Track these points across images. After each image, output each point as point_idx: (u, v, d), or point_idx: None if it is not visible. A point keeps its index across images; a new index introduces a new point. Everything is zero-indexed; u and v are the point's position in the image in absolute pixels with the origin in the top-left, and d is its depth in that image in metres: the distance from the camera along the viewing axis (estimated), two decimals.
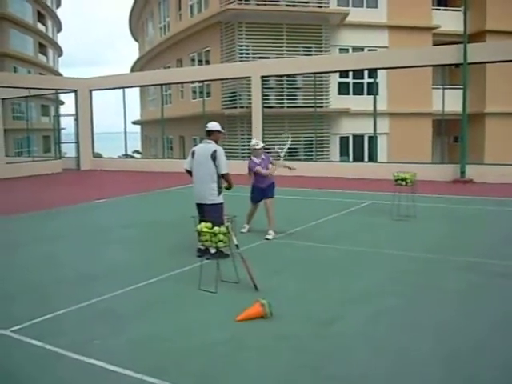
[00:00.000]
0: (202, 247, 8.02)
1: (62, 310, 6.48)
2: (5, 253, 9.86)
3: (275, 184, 10.80)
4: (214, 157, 8.56)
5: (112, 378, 4.77)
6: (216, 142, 8.84)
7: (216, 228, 7.27)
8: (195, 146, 9.30)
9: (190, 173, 8.97)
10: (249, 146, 10.93)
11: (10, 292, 7.40)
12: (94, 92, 29.50)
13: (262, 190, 10.64)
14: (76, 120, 29.09)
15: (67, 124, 34.73)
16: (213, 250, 7.99)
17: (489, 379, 4.67)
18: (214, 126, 8.94)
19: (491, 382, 4.64)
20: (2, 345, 5.57)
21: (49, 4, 65.45)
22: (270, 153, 11.51)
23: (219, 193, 8.71)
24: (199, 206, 8.79)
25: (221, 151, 8.68)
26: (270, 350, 5.31)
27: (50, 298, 7.06)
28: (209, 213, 8.42)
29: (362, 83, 29.31)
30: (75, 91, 28.81)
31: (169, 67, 36.74)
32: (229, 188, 9.03)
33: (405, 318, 6.17)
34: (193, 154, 8.87)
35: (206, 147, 8.72)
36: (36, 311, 6.41)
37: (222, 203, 8.74)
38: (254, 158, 10.56)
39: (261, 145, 10.60)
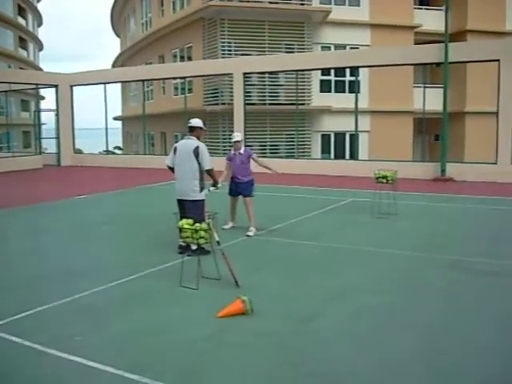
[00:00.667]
0: (184, 244, 8.03)
1: (42, 306, 6.43)
2: None
3: (254, 182, 10.78)
4: (196, 153, 8.57)
5: (92, 374, 4.75)
6: (198, 139, 8.86)
7: (197, 224, 7.28)
8: (177, 142, 9.29)
9: (171, 169, 8.96)
10: (230, 142, 10.99)
11: None
12: (74, 87, 29.29)
13: (236, 183, 10.65)
14: (57, 115, 28.86)
15: (48, 119, 34.55)
16: (194, 247, 8.02)
17: (475, 377, 4.71)
18: (196, 122, 8.97)
19: (477, 379, 4.68)
20: None
21: None
22: (253, 149, 11.51)
23: (201, 189, 8.71)
24: (180, 202, 8.77)
25: (203, 147, 8.70)
26: (250, 346, 5.33)
27: (30, 294, 7.02)
28: (190, 209, 8.43)
29: (344, 81, 29.43)
30: (56, 86, 28.57)
31: (151, 63, 36.56)
32: (215, 185, 9.17)
33: (385, 315, 6.21)
34: (175, 150, 8.86)
35: (188, 143, 8.73)
36: (16, 307, 6.35)
37: (203, 200, 8.74)
38: (231, 150, 10.76)
39: (237, 138, 10.64)
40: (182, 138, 9.47)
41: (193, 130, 8.91)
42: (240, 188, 10.63)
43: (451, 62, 19.63)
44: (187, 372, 4.79)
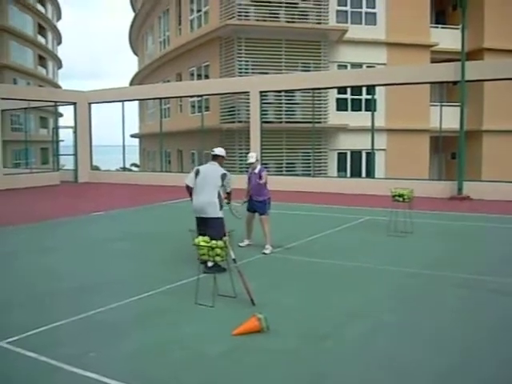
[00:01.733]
0: (211, 264, 8.10)
1: (58, 321, 6.46)
2: (1, 264, 9.84)
3: (269, 200, 10.77)
4: (223, 178, 9.04)
5: None
6: (220, 165, 9.35)
7: (213, 242, 7.29)
8: (200, 165, 9.95)
9: (189, 189, 9.20)
10: (246, 160, 11.02)
11: (5, 303, 7.38)
12: (92, 105, 29.59)
13: (253, 202, 10.69)
14: (75, 132, 29.16)
15: (66, 136, 34.83)
16: (210, 264, 8.03)
17: None
18: (220, 151, 9.51)
19: None
20: None
21: (49, 16, 65.82)
22: (267, 167, 11.53)
23: (221, 207, 8.94)
24: (200, 220, 8.94)
25: (229, 175, 9.25)
26: (266, 364, 5.30)
27: (46, 310, 7.05)
28: (212, 226, 8.65)
29: (360, 99, 29.47)
30: (74, 104, 28.90)
31: (168, 81, 36.88)
32: (228, 203, 9.62)
33: (402, 333, 6.17)
34: (197, 172, 9.18)
35: (215, 168, 9.25)
36: (32, 323, 6.39)
37: (223, 218, 8.94)
38: (250, 169, 10.85)
39: (250, 160, 10.65)
40: (203, 163, 10.21)
41: (216, 157, 9.42)
42: (255, 206, 10.67)
43: (468, 81, 19.60)
44: None
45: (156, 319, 6.68)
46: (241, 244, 10.76)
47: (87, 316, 6.72)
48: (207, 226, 8.72)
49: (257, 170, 10.64)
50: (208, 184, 8.95)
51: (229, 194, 9.35)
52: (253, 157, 10.70)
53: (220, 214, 8.89)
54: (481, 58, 29.43)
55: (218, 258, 7.33)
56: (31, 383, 4.95)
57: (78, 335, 6.12)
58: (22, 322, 6.52)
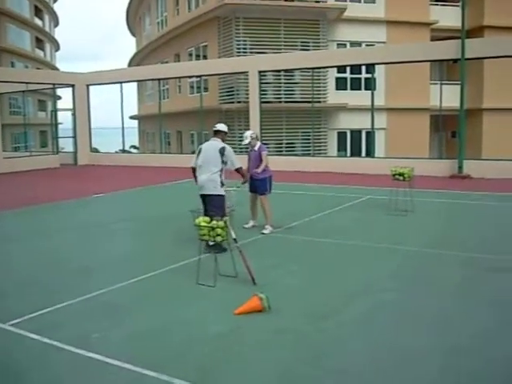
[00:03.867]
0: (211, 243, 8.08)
1: (61, 303, 6.48)
2: (3, 247, 9.85)
3: (269, 179, 10.61)
4: (222, 152, 8.99)
5: (111, 371, 4.77)
6: (222, 141, 9.31)
7: (214, 222, 7.30)
8: (201, 143, 9.74)
9: (194, 171, 9.23)
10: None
11: (8, 286, 7.41)
12: (91, 87, 29.46)
13: (253, 180, 10.54)
14: (73, 115, 29.06)
15: (64, 119, 34.77)
16: (211, 243, 8.04)
17: (487, 373, 4.68)
18: (222, 127, 9.50)
19: (490, 376, 4.65)
20: (0, 338, 5.58)
21: None
22: (268, 146, 11.46)
23: (221, 185, 8.94)
24: (203, 197, 9.02)
25: (229, 148, 9.21)
26: (268, 343, 5.32)
27: (49, 292, 7.07)
28: (211, 203, 8.73)
29: (360, 78, 29.35)
30: (72, 86, 28.76)
31: (166, 62, 36.66)
32: (245, 182, 9.96)
33: (403, 312, 6.19)
34: (199, 150, 9.26)
35: (214, 143, 9.21)
36: (35, 305, 6.41)
37: (223, 195, 8.96)
38: (250, 148, 10.78)
39: (245, 141, 10.51)
40: (205, 140, 10.11)
41: (217, 133, 9.38)
42: (255, 185, 10.56)
43: (468, 59, 19.48)
44: (205, 369, 4.80)
45: (158, 299, 6.71)
46: (245, 225, 10.74)
47: (90, 297, 6.74)
48: (208, 204, 8.79)
49: (256, 148, 10.56)
50: (208, 160, 8.97)
51: (239, 171, 9.45)
52: (247, 137, 10.51)
53: (220, 192, 8.90)
54: (481, 36, 29.28)
55: (218, 238, 7.33)
56: (34, 364, 4.97)
57: (81, 316, 6.14)
58: (25, 304, 6.54)
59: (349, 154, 29.38)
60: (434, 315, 6.04)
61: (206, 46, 31.89)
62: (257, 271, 7.24)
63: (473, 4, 30.05)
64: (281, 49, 27.97)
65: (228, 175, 9.28)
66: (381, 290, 6.91)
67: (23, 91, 31.50)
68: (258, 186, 10.52)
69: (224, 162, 9.01)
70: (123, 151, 32.69)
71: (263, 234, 10.30)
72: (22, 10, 56.58)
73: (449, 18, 30.55)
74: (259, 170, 10.28)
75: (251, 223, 10.90)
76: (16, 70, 39.27)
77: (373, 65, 22.58)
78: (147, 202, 15.67)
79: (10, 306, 6.52)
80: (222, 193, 8.94)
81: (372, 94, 22.04)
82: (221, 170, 8.97)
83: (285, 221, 11.27)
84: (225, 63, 26.22)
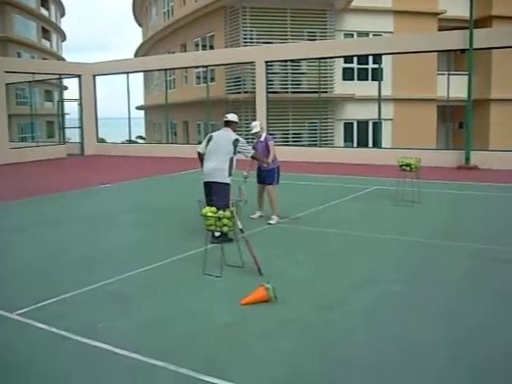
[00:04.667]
0: (217, 234, 8.10)
1: (68, 293, 6.51)
2: (10, 237, 9.90)
3: (277, 170, 10.61)
4: (235, 144, 9.01)
5: (118, 361, 4.79)
6: (233, 131, 9.34)
7: (220, 212, 7.30)
8: (208, 133, 9.88)
9: (201, 156, 9.21)
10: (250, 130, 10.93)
11: (15, 276, 7.45)
12: (97, 77, 29.44)
13: (260, 171, 10.61)
14: (80, 105, 29.06)
15: (71, 109, 34.77)
16: (217, 234, 8.06)
17: (493, 364, 4.68)
18: (233, 117, 9.54)
19: (495, 367, 4.65)
20: (8, 328, 5.62)
21: None
22: (274, 137, 11.43)
23: (229, 174, 8.92)
24: (207, 185, 8.95)
25: (242, 139, 9.27)
26: (274, 333, 5.33)
27: (56, 282, 7.10)
28: (216, 191, 8.70)
29: (367, 69, 29.20)
30: (79, 76, 28.75)
31: (173, 52, 36.57)
32: (246, 177, 10.34)
33: (408, 302, 6.19)
34: (210, 138, 9.22)
35: (227, 134, 9.24)
36: (41, 295, 6.44)
37: (229, 184, 8.94)
38: (256, 138, 10.74)
39: (253, 130, 10.56)
40: (214, 130, 10.30)
41: (229, 123, 9.42)
42: (262, 176, 10.59)
43: (476, 49, 19.35)
44: (212, 359, 4.81)
45: (165, 289, 6.73)
46: (252, 216, 10.75)
47: (97, 287, 6.77)
48: (213, 191, 8.75)
49: (262, 138, 10.56)
50: (219, 150, 8.94)
51: (254, 158, 9.76)
52: (257, 126, 10.58)
53: (227, 180, 8.88)
54: (489, 26, 29.04)
55: (225, 229, 7.35)
56: (41, 354, 5.00)
57: (88, 306, 6.17)
58: (32, 293, 6.56)
59: (355, 144, 29.31)
60: (439, 306, 6.04)
61: (212, 36, 31.81)
62: (263, 261, 7.24)
63: None
64: (287, 39, 27.89)
65: (236, 166, 9.15)
66: (386, 281, 6.91)
67: (30, 81, 31.51)
68: (266, 176, 10.53)
69: (235, 153, 9.00)
70: (130, 141, 32.71)
71: (270, 224, 10.30)
72: (28, 1, 56.57)
73: (457, 7, 30.28)
74: (269, 161, 10.27)
75: (258, 214, 10.90)
76: (22, 61, 39.26)
77: (380, 55, 22.47)
78: (154, 192, 15.69)
79: (17, 296, 6.55)
80: (229, 181, 8.92)
81: (379, 84, 21.93)
82: (230, 160, 8.93)
83: (291, 211, 11.27)
84: (231, 53, 26.15)
